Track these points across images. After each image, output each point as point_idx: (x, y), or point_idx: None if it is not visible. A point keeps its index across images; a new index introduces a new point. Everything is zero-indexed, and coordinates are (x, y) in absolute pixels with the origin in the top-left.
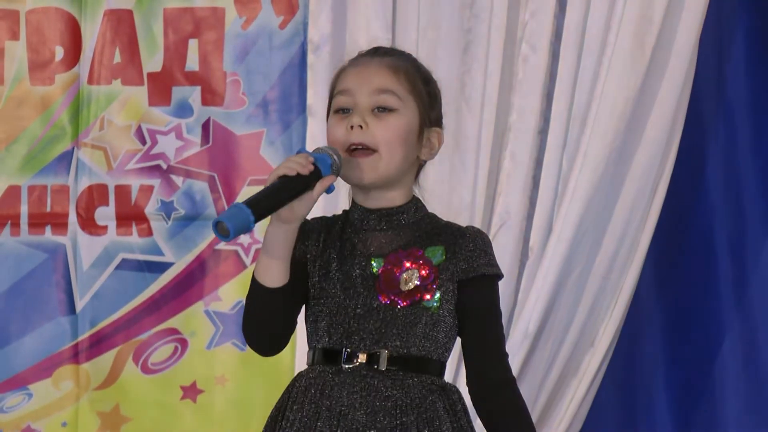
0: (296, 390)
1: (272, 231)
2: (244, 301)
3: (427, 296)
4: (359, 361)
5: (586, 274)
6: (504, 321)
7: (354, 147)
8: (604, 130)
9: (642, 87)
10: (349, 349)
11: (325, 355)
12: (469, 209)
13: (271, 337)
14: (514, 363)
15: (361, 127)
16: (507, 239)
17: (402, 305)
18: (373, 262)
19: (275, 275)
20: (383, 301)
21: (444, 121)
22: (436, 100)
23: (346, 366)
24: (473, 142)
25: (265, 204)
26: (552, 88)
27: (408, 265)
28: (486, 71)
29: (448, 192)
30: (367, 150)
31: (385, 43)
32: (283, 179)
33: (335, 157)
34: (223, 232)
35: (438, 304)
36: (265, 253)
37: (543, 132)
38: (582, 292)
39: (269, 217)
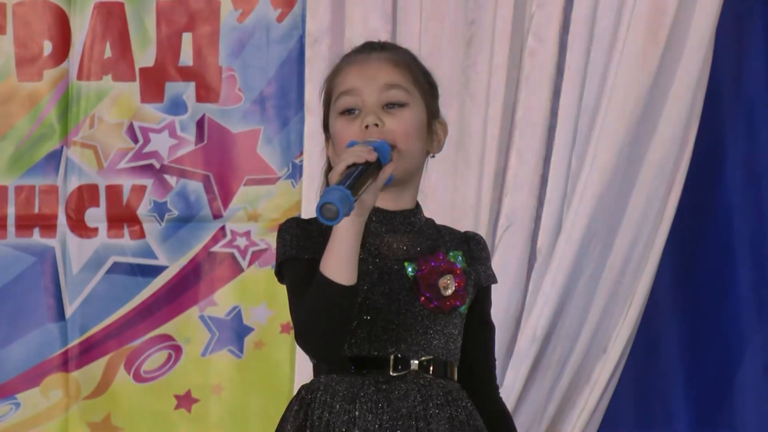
0: (330, 399)
1: (344, 226)
2: (305, 306)
3: (461, 302)
4: (411, 368)
5: (597, 278)
6: (511, 325)
7: None
8: (615, 127)
9: (654, 82)
10: (398, 356)
11: (361, 363)
12: (473, 210)
13: (343, 338)
14: (522, 368)
15: (377, 125)
16: (514, 241)
17: (445, 311)
18: (407, 266)
19: (351, 272)
20: (426, 306)
21: (447, 117)
22: (437, 91)
23: (394, 374)
24: (478, 140)
25: (356, 187)
26: (560, 82)
27: (443, 269)
28: (491, 65)
29: (452, 192)
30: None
31: (385, 36)
32: (355, 168)
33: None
34: (330, 214)
35: (466, 311)
36: (338, 251)
37: (551, 129)
38: (593, 296)
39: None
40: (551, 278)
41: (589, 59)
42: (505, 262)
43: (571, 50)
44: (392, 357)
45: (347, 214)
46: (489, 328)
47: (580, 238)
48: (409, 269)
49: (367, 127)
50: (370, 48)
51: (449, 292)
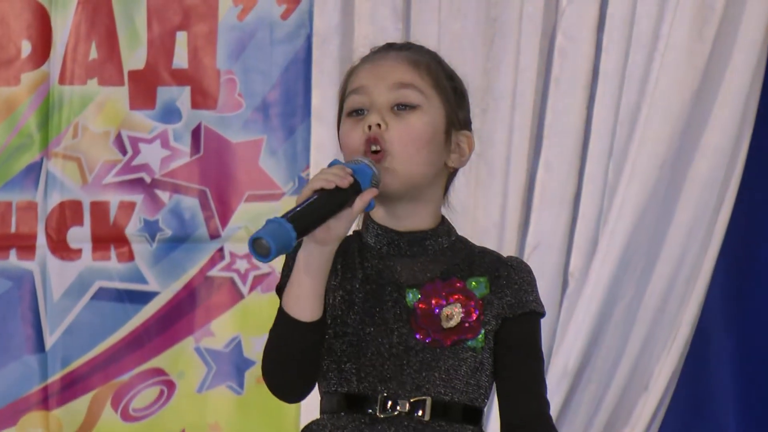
0: None
1: (306, 255)
2: (268, 336)
3: (471, 335)
4: (400, 409)
5: (637, 305)
6: None
7: (371, 146)
8: (657, 136)
9: (701, 85)
10: (386, 395)
11: (351, 402)
12: (497, 228)
13: (302, 379)
14: (551, 406)
15: (379, 126)
16: (542, 263)
17: (445, 345)
18: (407, 294)
19: (310, 307)
20: (422, 340)
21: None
22: (464, 99)
23: (382, 415)
24: (502, 150)
25: (305, 220)
26: (595, 86)
27: (449, 298)
28: (517, 67)
29: (473, 208)
30: (381, 152)
31: (396, 35)
32: (320, 193)
33: (374, 168)
34: (262, 250)
35: (482, 345)
36: (298, 282)
37: (585, 138)
38: (632, 325)
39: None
40: (585, 305)
41: (628, 60)
42: None
43: (607, 50)
44: (380, 396)
45: (284, 251)
46: (517, 361)
47: (618, 261)
48: (410, 297)
49: (370, 128)
50: (389, 47)
51: (452, 323)
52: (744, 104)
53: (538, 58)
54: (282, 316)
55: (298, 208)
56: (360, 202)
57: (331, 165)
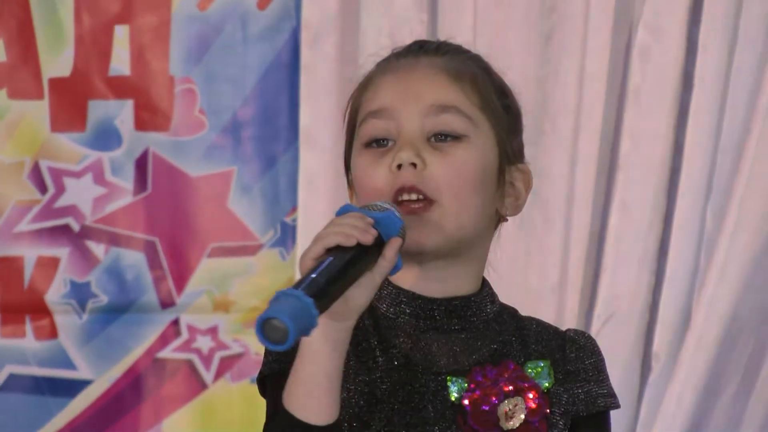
0: None
1: (315, 336)
2: None
3: None
4: None
5: (746, 394)
6: None
7: (404, 195)
8: None
9: None
10: None
11: None
12: (556, 293)
13: None
14: None
15: (414, 165)
16: (616, 341)
17: None
18: (450, 384)
19: (323, 405)
20: None
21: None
22: (518, 122)
23: None
24: (562, 188)
25: (328, 290)
26: (688, 100)
27: (507, 389)
28: (581, 74)
29: (523, 267)
30: (424, 201)
31: (420, 28)
32: (337, 254)
33: (398, 214)
34: (277, 335)
35: None
36: (304, 373)
37: (674, 170)
38: (739, 421)
39: None
40: (676, 396)
41: (732, 65)
42: None
43: (704, 51)
44: None
45: (305, 333)
46: None
47: (720, 337)
48: (453, 389)
49: (399, 167)
50: (419, 50)
51: (514, 424)
52: None
53: (609, 62)
54: (285, 419)
55: (315, 276)
56: (385, 262)
57: (341, 212)
